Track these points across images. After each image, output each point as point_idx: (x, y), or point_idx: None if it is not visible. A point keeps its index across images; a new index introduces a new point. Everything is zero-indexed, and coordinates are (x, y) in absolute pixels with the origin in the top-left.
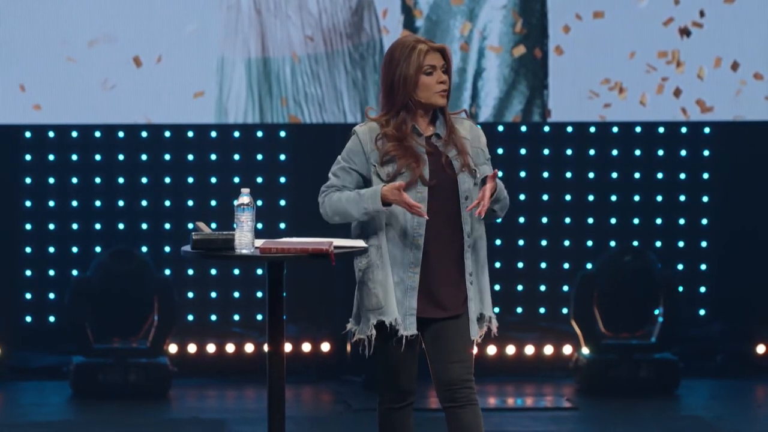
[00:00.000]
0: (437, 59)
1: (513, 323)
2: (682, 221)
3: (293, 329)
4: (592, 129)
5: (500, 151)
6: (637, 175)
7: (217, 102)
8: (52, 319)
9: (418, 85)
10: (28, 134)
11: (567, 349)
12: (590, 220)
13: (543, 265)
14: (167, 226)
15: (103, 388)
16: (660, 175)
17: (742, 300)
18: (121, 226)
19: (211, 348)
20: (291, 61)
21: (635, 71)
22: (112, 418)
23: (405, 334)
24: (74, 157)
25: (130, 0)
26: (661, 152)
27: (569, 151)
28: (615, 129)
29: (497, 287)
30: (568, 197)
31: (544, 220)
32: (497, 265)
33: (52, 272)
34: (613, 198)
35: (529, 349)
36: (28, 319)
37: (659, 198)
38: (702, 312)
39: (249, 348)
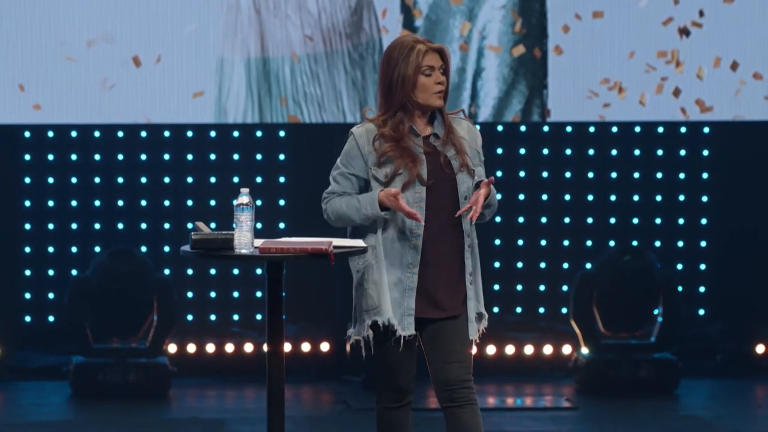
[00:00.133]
0: (436, 60)
1: (512, 323)
2: (681, 221)
3: (293, 329)
4: (592, 129)
5: (500, 150)
6: (636, 175)
7: (217, 102)
8: (51, 319)
9: (416, 85)
10: (27, 134)
11: (566, 349)
12: (590, 220)
13: (542, 264)
14: (167, 225)
15: (102, 388)
16: (659, 175)
17: (741, 300)
18: (120, 225)
19: (210, 348)
20: (290, 60)
21: (635, 71)
22: (112, 418)
23: (403, 335)
24: (74, 157)
25: (129, 0)
26: (660, 152)
27: (569, 151)
28: (614, 129)
29: (496, 287)
30: (567, 197)
31: (544, 219)
32: (496, 264)
33: (51, 272)
34: (613, 198)
35: (529, 349)
36: (28, 319)
37: (659, 198)
38: (701, 312)
39: (248, 348)
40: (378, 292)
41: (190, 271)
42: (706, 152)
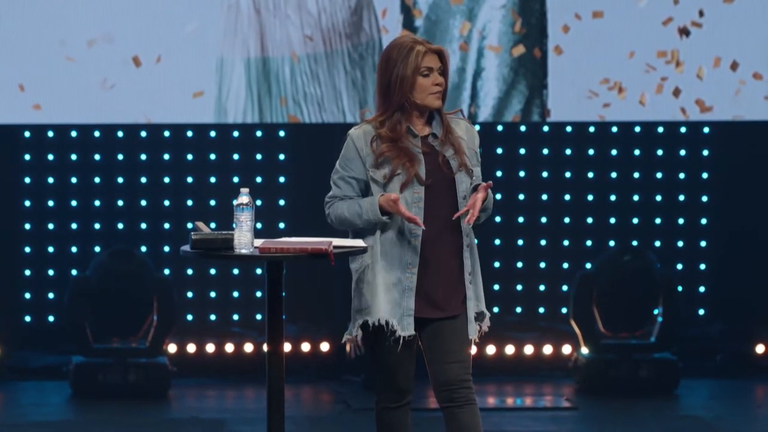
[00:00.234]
0: (434, 61)
1: (512, 323)
2: (681, 221)
3: (292, 329)
4: (592, 129)
5: (499, 150)
6: (636, 175)
7: (217, 102)
8: (51, 318)
9: (414, 86)
10: (27, 134)
11: (566, 349)
12: (589, 220)
13: (542, 264)
14: (166, 225)
15: (102, 388)
16: (659, 175)
17: (741, 300)
18: (120, 225)
19: (210, 348)
20: (290, 60)
21: (634, 71)
22: (112, 418)
23: (403, 335)
24: (73, 157)
25: (129, 0)
26: (660, 152)
27: (568, 151)
28: (614, 129)
29: (496, 287)
30: (567, 197)
31: (544, 219)
32: (496, 264)
33: (51, 272)
34: (613, 198)
35: (529, 349)
36: (28, 318)
37: (658, 198)
38: (701, 312)
39: (248, 348)
40: (371, 293)
41: (190, 271)
42: (706, 152)
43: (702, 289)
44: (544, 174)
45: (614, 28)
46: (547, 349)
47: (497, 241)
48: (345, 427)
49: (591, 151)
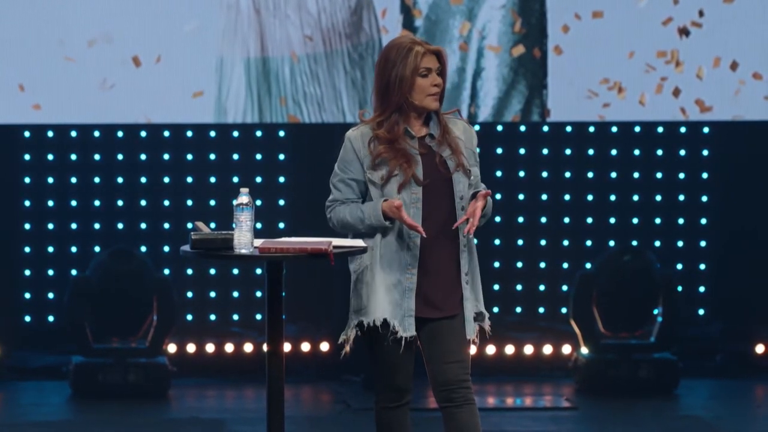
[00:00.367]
0: (433, 62)
1: (512, 323)
2: (681, 221)
3: (292, 329)
4: (591, 129)
5: (499, 150)
6: (636, 175)
7: (216, 102)
8: (51, 318)
9: (413, 87)
10: (27, 134)
11: (566, 349)
12: (589, 220)
13: (542, 264)
14: (166, 225)
15: (102, 388)
16: (659, 175)
17: (741, 300)
18: (120, 225)
19: (210, 348)
20: (290, 60)
21: (634, 71)
22: (112, 417)
23: (404, 336)
24: (73, 157)
25: (129, 0)
26: (660, 152)
27: (568, 151)
28: (614, 129)
29: (496, 287)
30: (567, 197)
31: (543, 219)
32: (496, 264)
33: (51, 272)
34: (613, 198)
35: (528, 349)
36: (28, 318)
37: (658, 198)
38: (701, 312)
39: (248, 348)
40: (368, 293)
41: (189, 271)
42: (705, 152)
43: (702, 289)
44: (544, 174)
45: (614, 28)
46: (547, 349)
47: (497, 241)
48: (345, 427)
49: (591, 151)
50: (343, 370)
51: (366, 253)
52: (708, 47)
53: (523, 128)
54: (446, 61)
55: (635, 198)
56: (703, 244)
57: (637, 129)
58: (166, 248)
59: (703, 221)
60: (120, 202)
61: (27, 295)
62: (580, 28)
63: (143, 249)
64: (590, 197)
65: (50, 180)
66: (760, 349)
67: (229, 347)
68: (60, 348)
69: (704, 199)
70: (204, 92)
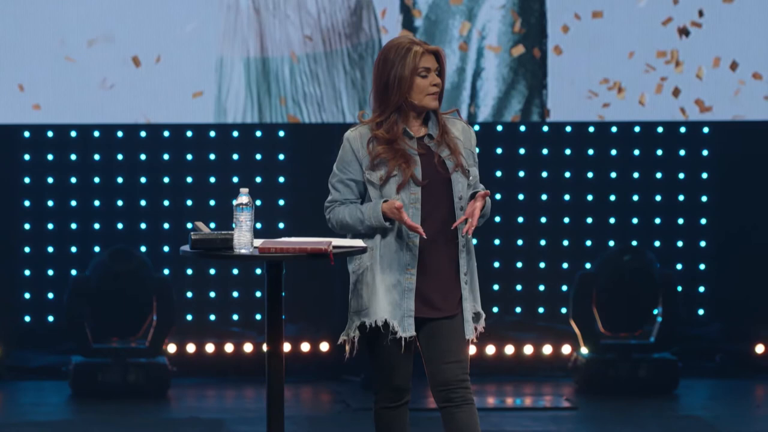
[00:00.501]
0: (432, 62)
1: (512, 323)
2: (681, 221)
3: (292, 329)
4: (591, 129)
5: (499, 150)
6: (636, 175)
7: (216, 102)
8: (51, 318)
9: (412, 87)
10: (27, 134)
11: (566, 349)
12: (589, 220)
13: (542, 264)
14: (166, 225)
15: (102, 388)
16: (659, 175)
17: (741, 300)
18: (120, 225)
19: (210, 348)
20: (290, 60)
21: (634, 71)
22: (111, 417)
23: (404, 336)
24: (73, 157)
25: (129, 0)
26: (660, 152)
27: (568, 151)
28: (614, 129)
29: (496, 287)
30: (567, 197)
31: (543, 219)
32: (496, 264)
33: (51, 272)
34: (612, 198)
35: (528, 349)
36: (27, 318)
37: (658, 198)
38: (701, 312)
39: (248, 348)
40: (369, 294)
41: (189, 271)
42: (705, 152)
43: (701, 289)
44: (544, 174)
45: (614, 28)
46: (547, 349)
47: (497, 241)
48: (344, 427)
49: (591, 151)
50: (343, 370)
51: (366, 254)
52: (708, 47)
53: (522, 128)
54: (445, 62)
55: (635, 198)
56: (702, 244)
57: (637, 129)
58: (166, 248)
59: (703, 221)
60: (120, 202)
61: (27, 295)
62: (579, 28)
63: (143, 249)
64: (590, 197)
65: (50, 180)
66: (759, 349)
67: (228, 347)
68: (60, 348)
69: (704, 199)
70: (204, 92)
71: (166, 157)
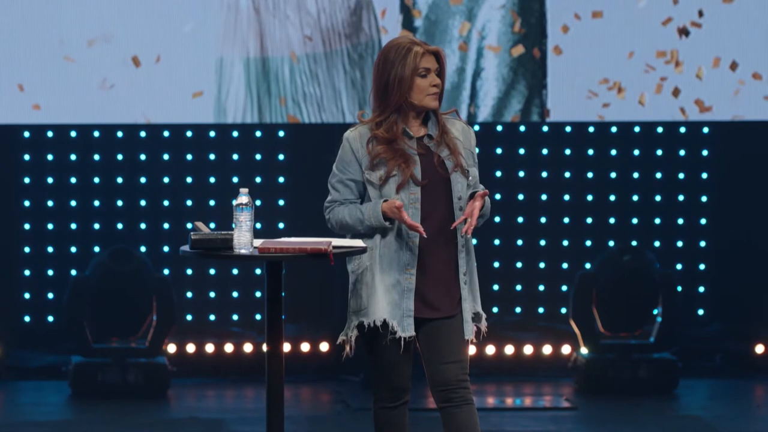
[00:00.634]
0: (432, 62)
1: (512, 323)
2: (680, 221)
3: (292, 329)
4: (591, 129)
5: (499, 151)
6: (635, 175)
7: (216, 102)
8: (50, 318)
9: (412, 87)
10: (26, 134)
11: (566, 349)
12: (589, 220)
13: (542, 264)
14: (166, 225)
15: (101, 388)
16: (659, 175)
17: (741, 300)
18: (119, 225)
19: (209, 348)
20: (290, 60)
21: (634, 71)
22: (111, 417)
23: (403, 336)
24: (73, 157)
25: (128, 0)
26: (659, 152)
27: (568, 151)
28: (614, 129)
29: (496, 287)
30: (566, 197)
31: (543, 219)
32: (496, 265)
33: (50, 272)
34: (612, 198)
35: (528, 349)
36: (27, 318)
37: (658, 198)
38: (701, 312)
39: (248, 348)
40: (368, 294)
41: (189, 271)
42: (705, 152)
43: (701, 289)
44: (544, 174)
45: (614, 28)
46: (547, 349)
47: (497, 241)
48: (344, 427)
49: (590, 152)
50: (343, 370)
51: (365, 254)
52: (707, 47)
53: (522, 128)
54: (445, 62)
55: (635, 198)
56: (702, 244)
57: (637, 129)
58: (166, 248)
59: (703, 221)
60: (120, 202)
61: (26, 295)
62: (579, 28)
63: (143, 249)
64: (590, 197)
65: (50, 180)
66: (759, 349)
67: (228, 347)
68: (59, 348)
69: (704, 199)
70: (203, 92)
71: (165, 157)
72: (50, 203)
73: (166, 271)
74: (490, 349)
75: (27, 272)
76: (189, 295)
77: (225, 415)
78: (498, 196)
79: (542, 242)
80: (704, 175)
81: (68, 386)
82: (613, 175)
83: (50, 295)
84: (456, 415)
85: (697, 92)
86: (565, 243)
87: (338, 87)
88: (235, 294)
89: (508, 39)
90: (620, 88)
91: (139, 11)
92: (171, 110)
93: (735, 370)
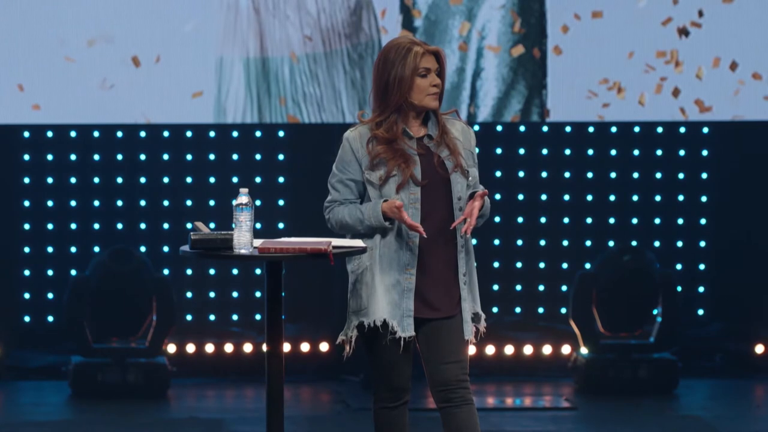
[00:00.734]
0: (432, 62)
1: (512, 323)
2: (680, 221)
3: (292, 329)
4: (591, 129)
5: (499, 151)
6: (635, 175)
7: (216, 102)
8: (50, 318)
9: (412, 87)
10: (26, 134)
11: (566, 349)
12: (589, 220)
13: (542, 264)
14: (166, 225)
15: (101, 388)
16: (659, 175)
17: (740, 300)
18: (119, 225)
19: (209, 348)
20: (289, 60)
21: (634, 71)
22: (111, 417)
23: (403, 336)
24: (73, 157)
25: (128, 0)
26: (659, 152)
27: (568, 151)
28: (614, 129)
29: (495, 287)
30: (566, 197)
31: (543, 219)
32: (495, 265)
33: (50, 272)
34: (612, 198)
35: (528, 349)
36: (27, 318)
37: (658, 198)
38: (701, 312)
39: (248, 348)
40: (368, 294)
41: (189, 271)
42: (705, 152)
43: (701, 289)
44: (544, 174)
45: (613, 28)
46: (547, 349)
47: (496, 242)
48: (344, 427)
49: (590, 152)
50: (342, 370)
51: (365, 254)
52: (707, 47)
53: (522, 128)
54: (445, 62)
55: (635, 198)
56: (702, 244)
57: (637, 129)
58: (166, 248)
59: (703, 221)
60: (119, 202)
61: (26, 295)
62: (579, 28)
63: (143, 249)
64: (590, 197)
65: (49, 180)
66: (759, 349)
67: (228, 347)
68: (59, 348)
69: (704, 199)
70: (203, 92)
71: (165, 157)
72: (50, 203)
73: (166, 271)
74: (490, 349)
75: (27, 272)
76: (189, 295)
77: (225, 415)
78: (498, 196)
79: (542, 242)
80: (704, 175)
81: (68, 386)
82: (613, 175)
83: (50, 295)
84: (456, 415)
85: (697, 92)
86: (565, 243)
87: (338, 87)
88: (235, 294)
89: (508, 39)
90: (620, 88)
91: (139, 11)
92: (171, 110)
93: (735, 370)
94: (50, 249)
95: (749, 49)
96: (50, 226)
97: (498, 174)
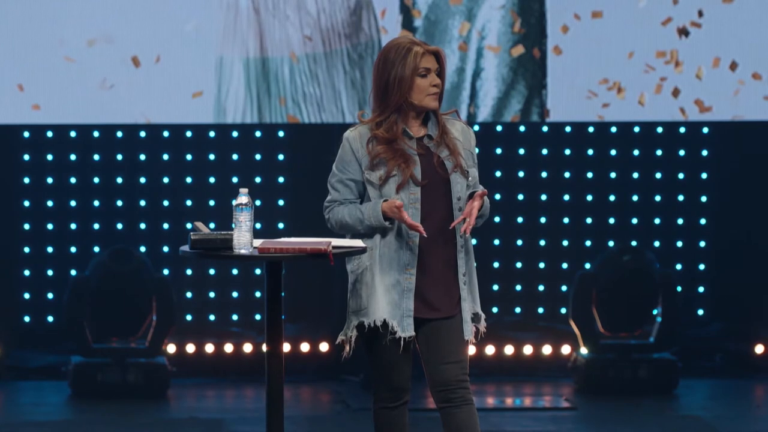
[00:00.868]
0: (432, 62)
1: (511, 323)
2: (680, 221)
3: (292, 329)
4: (591, 129)
5: (499, 151)
6: (635, 175)
7: (216, 102)
8: (50, 318)
9: (412, 87)
10: (26, 134)
11: (565, 349)
12: (589, 220)
13: (541, 265)
14: (166, 225)
15: (101, 388)
16: (658, 175)
17: (740, 300)
18: (119, 225)
19: (209, 348)
20: (289, 60)
21: (634, 71)
22: (111, 417)
23: (403, 336)
24: (73, 157)
25: (128, 0)
26: (659, 152)
27: (568, 151)
28: (613, 129)
29: (495, 287)
30: (566, 197)
31: (543, 220)
32: (495, 265)
33: (50, 272)
34: (612, 198)
35: (528, 349)
36: (27, 318)
37: (658, 198)
38: (701, 312)
39: (247, 348)
40: (368, 294)
41: (189, 271)
42: (705, 152)
43: (701, 289)
44: (544, 174)
45: (613, 28)
46: (547, 350)
47: (496, 242)
48: (344, 427)
49: (590, 152)
50: (342, 370)
51: (365, 254)
52: (707, 47)
53: (522, 128)
54: (445, 62)
55: (634, 198)
56: (702, 244)
57: (637, 129)
58: (166, 248)
59: (703, 221)
60: (119, 202)
61: (26, 295)
62: (579, 28)
63: (142, 249)
64: (590, 197)
65: (49, 180)
66: (759, 349)
67: (228, 347)
68: (59, 348)
69: (703, 199)
70: (203, 92)
71: (165, 157)
72: (50, 203)
73: (165, 271)
74: (490, 350)
75: (27, 272)
76: (189, 295)
77: (225, 415)
78: (498, 196)
79: (542, 242)
80: (704, 175)
81: (68, 386)
82: (612, 175)
83: (50, 295)
84: (456, 416)
85: (697, 92)
86: (565, 243)
87: (338, 87)
88: (234, 294)
89: (508, 39)
90: (620, 88)
91: (139, 11)
92: (171, 110)
93: (735, 370)
94: (50, 249)
95: (749, 49)
96: (50, 226)
97: (498, 174)
